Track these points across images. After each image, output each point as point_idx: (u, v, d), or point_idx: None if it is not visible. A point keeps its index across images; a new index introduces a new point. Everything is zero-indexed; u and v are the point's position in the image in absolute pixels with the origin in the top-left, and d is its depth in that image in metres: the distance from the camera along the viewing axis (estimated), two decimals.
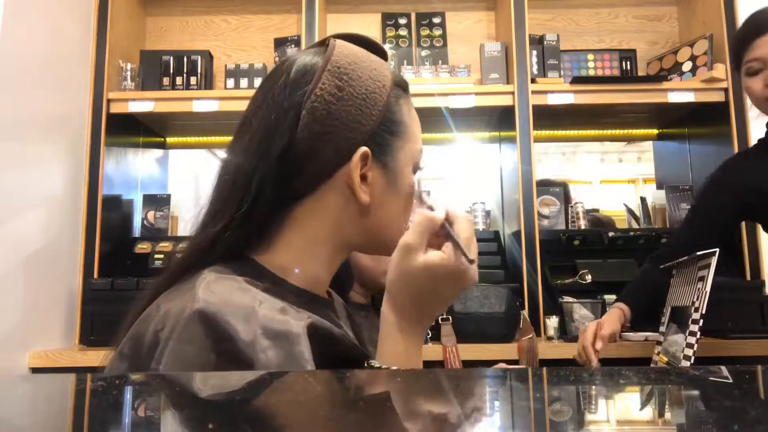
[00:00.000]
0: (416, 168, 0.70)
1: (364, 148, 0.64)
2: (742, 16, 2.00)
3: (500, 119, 2.24)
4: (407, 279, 0.63)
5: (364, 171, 0.65)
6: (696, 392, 0.43)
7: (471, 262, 0.61)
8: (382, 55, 0.72)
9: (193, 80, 2.14)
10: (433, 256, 0.62)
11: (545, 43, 2.15)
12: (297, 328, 0.56)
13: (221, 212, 0.64)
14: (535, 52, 2.13)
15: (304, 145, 0.63)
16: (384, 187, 0.67)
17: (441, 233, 0.64)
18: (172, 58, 2.15)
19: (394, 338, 0.64)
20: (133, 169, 2.23)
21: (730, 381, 0.44)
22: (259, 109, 0.66)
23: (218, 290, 0.57)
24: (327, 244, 0.67)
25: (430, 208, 0.66)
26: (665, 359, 1.36)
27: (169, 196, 2.24)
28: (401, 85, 0.71)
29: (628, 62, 2.28)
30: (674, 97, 2.01)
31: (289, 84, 0.65)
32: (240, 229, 0.63)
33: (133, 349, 0.58)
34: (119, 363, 0.59)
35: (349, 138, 0.64)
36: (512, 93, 2.01)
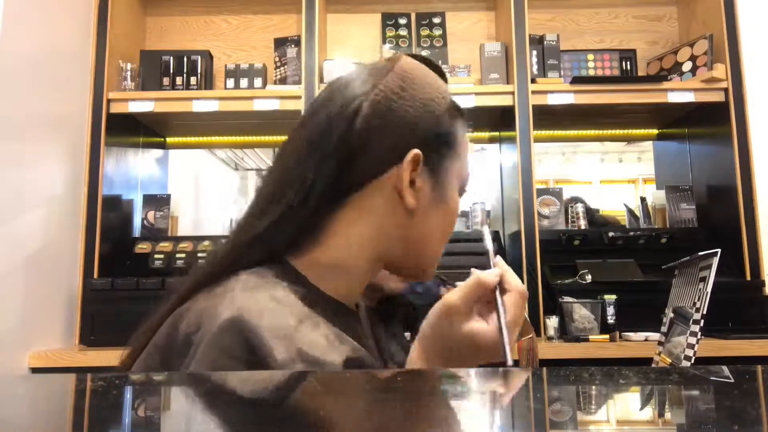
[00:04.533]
0: (462, 191, 0.71)
1: (417, 150, 0.64)
2: (742, 16, 2.01)
3: (500, 119, 2.23)
4: (446, 340, 0.63)
5: (413, 175, 0.64)
6: (696, 392, 0.43)
7: (509, 362, 0.59)
8: (443, 77, 0.72)
9: (193, 80, 2.14)
10: (478, 326, 0.62)
11: (545, 43, 2.15)
12: (336, 360, 0.54)
13: (272, 206, 0.63)
14: (535, 52, 2.13)
15: (361, 137, 0.63)
16: (430, 198, 0.66)
17: (489, 297, 0.63)
18: (172, 58, 2.15)
19: None
20: (133, 169, 2.23)
21: (730, 381, 0.44)
22: (321, 107, 0.66)
23: (256, 298, 0.56)
24: (367, 249, 0.65)
25: (483, 267, 0.65)
26: (668, 360, 1.35)
27: (169, 196, 2.24)
28: (458, 109, 0.71)
29: (628, 62, 2.28)
30: (674, 97, 2.01)
31: (350, 82, 0.66)
32: (288, 225, 0.62)
33: (163, 352, 0.57)
34: (150, 365, 0.58)
35: (405, 137, 0.64)
36: (512, 93, 2.01)
